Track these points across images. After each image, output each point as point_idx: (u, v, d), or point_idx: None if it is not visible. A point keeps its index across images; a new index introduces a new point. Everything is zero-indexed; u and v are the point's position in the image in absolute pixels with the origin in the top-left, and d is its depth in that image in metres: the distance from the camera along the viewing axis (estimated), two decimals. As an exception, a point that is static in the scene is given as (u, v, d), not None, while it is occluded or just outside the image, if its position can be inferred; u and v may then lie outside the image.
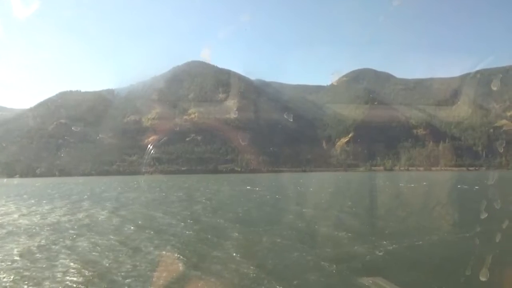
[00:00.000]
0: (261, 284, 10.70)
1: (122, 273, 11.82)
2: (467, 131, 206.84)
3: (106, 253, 14.74)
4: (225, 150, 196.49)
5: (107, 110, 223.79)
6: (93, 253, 14.76)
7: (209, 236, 17.65)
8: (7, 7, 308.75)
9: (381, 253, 13.77)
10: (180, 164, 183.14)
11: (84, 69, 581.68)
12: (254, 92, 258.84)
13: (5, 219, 25.79)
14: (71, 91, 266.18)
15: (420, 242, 15.58)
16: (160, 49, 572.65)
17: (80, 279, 11.38)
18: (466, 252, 13.37)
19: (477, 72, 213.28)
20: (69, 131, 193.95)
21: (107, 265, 12.98)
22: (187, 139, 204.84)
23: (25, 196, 49.49)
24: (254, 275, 11.45)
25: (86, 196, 46.20)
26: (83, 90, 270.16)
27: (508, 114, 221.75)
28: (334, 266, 12.18)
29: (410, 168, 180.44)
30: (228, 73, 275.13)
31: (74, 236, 18.42)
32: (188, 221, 22.96)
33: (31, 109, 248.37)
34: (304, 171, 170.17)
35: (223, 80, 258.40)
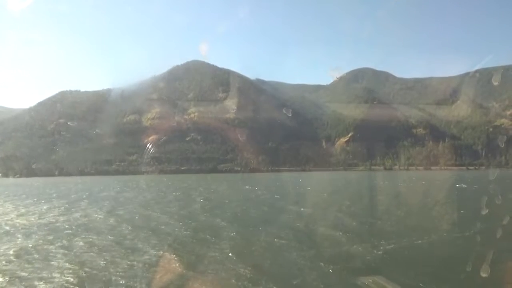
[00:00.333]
0: (259, 284, 10.59)
1: (119, 273, 11.74)
2: (467, 130, 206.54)
3: (103, 253, 14.65)
4: (224, 150, 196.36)
5: (106, 110, 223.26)
6: (90, 253, 14.68)
7: (206, 236, 17.58)
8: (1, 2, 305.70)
9: (380, 252, 13.69)
10: (179, 164, 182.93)
11: (83, 69, 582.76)
12: (253, 91, 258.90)
13: (2, 218, 25.69)
14: (70, 91, 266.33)
15: (420, 241, 15.52)
16: (159, 47, 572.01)
17: (77, 279, 11.30)
18: (466, 249, 13.35)
19: (477, 71, 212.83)
20: (69, 131, 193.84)
21: (104, 265, 12.89)
22: (187, 138, 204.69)
23: (23, 195, 49.38)
24: (252, 275, 11.35)
25: (84, 196, 46.03)
26: (82, 89, 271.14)
27: (508, 113, 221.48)
28: (333, 265, 12.08)
29: (409, 167, 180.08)
30: (227, 72, 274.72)
31: (71, 236, 18.33)
32: (186, 220, 22.93)
33: (30, 109, 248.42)
34: (304, 170, 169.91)
35: (222, 80, 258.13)
